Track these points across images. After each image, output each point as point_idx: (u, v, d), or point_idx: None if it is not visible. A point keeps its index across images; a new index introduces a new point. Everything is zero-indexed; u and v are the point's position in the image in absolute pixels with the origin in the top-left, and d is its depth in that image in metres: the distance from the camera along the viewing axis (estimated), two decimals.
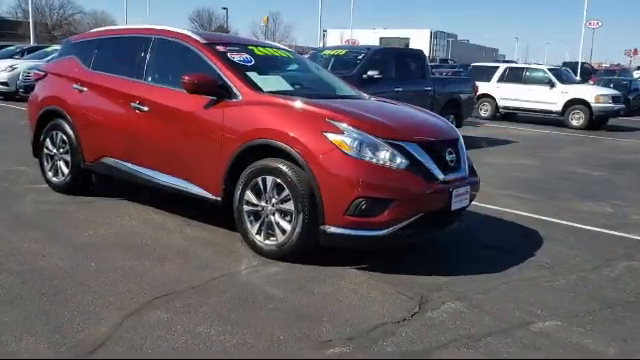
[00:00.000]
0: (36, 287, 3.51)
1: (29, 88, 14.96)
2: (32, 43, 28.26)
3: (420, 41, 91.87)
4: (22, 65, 16.47)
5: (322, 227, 3.99)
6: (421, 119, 4.68)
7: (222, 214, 4.68)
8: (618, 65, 51.46)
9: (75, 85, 5.57)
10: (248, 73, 4.70)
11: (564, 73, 19.33)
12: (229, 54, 4.85)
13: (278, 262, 4.16)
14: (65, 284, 3.57)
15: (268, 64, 5.20)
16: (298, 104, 4.27)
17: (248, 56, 4.95)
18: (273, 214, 4.20)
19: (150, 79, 5.09)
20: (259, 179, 4.23)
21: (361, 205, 3.87)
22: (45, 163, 5.95)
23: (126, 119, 5.09)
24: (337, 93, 5.20)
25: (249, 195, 4.30)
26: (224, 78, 4.57)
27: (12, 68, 16.48)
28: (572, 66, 34.40)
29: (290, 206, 4.08)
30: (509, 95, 18.28)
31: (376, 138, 3.99)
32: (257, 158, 4.27)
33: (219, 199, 4.52)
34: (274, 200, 4.18)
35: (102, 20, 78.14)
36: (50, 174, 5.90)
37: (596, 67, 44.94)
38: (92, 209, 5.30)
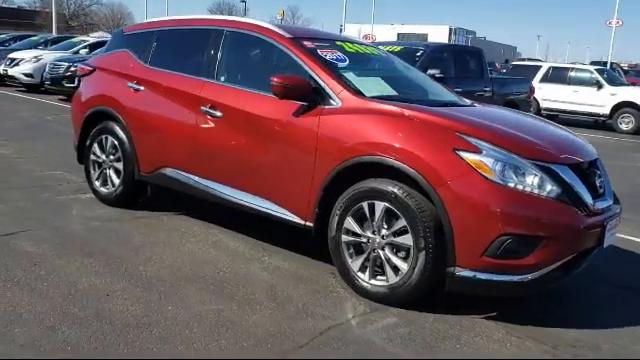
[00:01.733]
0: (108, 343, 2.78)
1: (56, 80, 14.38)
2: (54, 33, 27.65)
3: (439, 37, 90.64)
4: (48, 56, 15.83)
5: (450, 269, 3.23)
6: (562, 134, 3.89)
7: (299, 236, 3.94)
8: (637, 65, 50.00)
9: (130, 83, 4.84)
10: (345, 74, 3.94)
11: (612, 74, 18.39)
12: (319, 51, 4.09)
13: (388, 308, 3.41)
14: (143, 338, 2.84)
15: (362, 63, 4.44)
16: (417, 113, 3.50)
17: (341, 54, 4.18)
18: (382, 248, 3.44)
19: (223, 79, 4.35)
20: (364, 204, 3.47)
21: (506, 244, 3.11)
22: (92, 171, 5.23)
23: (193, 125, 4.36)
24: (442, 99, 4.42)
25: (350, 222, 3.55)
26: (318, 80, 3.81)
27: (37, 59, 15.86)
28: (600, 66, 33.27)
29: (407, 240, 3.32)
30: (552, 96, 17.36)
31: (522, 159, 3.22)
32: (361, 178, 3.52)
33: (310, 225, 3.78)
34: (384, 231, 3.43)
35: (118, 12, 77.82)
36: (97, 184, 5.18)
37: (625, 67, 43.68)
38: (150, 228, 4.58)
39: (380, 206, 3.41)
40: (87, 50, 16.27)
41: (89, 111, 5.16)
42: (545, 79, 17.80)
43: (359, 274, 3.54)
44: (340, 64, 4.05)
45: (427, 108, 3.66)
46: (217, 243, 4.35)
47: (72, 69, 13.78)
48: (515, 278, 3.19)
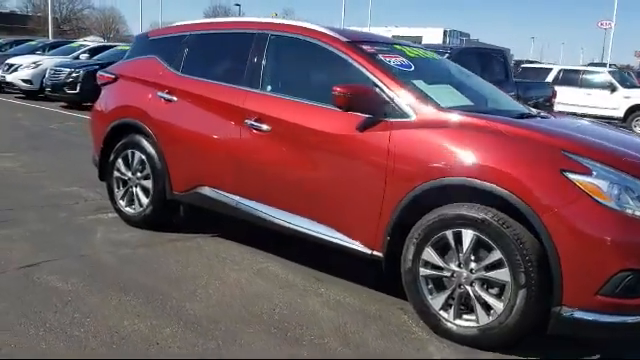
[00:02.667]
0: None
1: (57, 87, 13.86)
2: (50, 38, 27.09)
3: (433, 40, 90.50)
4: (47, 62, 15.32)
5: (556, 309, 2.77)
6: None
7: (354, 263, 3.50)
8: (628, 67, 49.86)
9: (160, 93, 4.37)
10: (415, 82, 3.48)
11: (624, 76, 18.04)
12: (382, 56, 3.64)
13: (476, 351, 2.96)
14: None
15: (427, 69, 3.97)
16: (512, 128, 3.05)
17: (404, 59, 3.73)
18: (470, 284, 2.99)
19: (270, 89, 3.88)
20: (448, 233, 3.02)
21: (626, 281, 2.66)
22: (115, 189, 4.75)
23: (236, 140, 3.89)
24: (515, 108, 3.98)
25: (430, 254, 3.09)
26: (385, 89, 3.36)
27: (36, 65, 15.35)
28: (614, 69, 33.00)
29: (503, 276, 2.87)
30: (564, 99, 16.96)
31: (637, 180, 2.78)
32: (443, 202, 3.06)
33: (378, 255, 3.32)
34: (473, 265, 2.97)
35: (110, 16, 77.16)
36: (122, 203, 4.70)
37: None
38: (186, 254, 4.10)
39: (468, 235, 2.95)
40: (88, 55, 15.74)
41: (113, 123, 4.68)
42: (556, 82, 17.42)
43: (441, 313, 3.08)
44: (407, 70, 3.60)
45: (521, 122, 3.23)
46: (263, 271, 3.88)
47: (73, 75, 13.31)
48: (629, 319, 2.75)
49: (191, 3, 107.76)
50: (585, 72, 17.65)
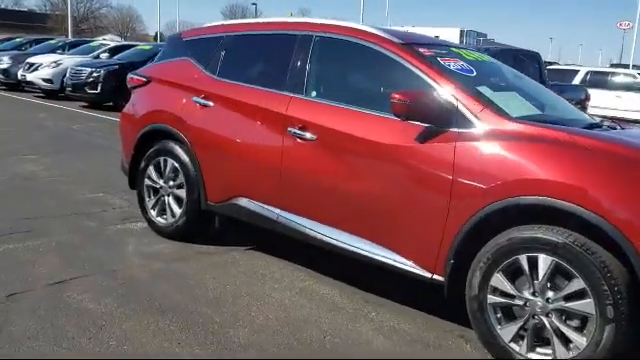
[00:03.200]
0: None
1: (77, 87, 13.70)
2: (70, 36, 27.09)
3: (450, 40, 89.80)
4: (68, 61, 15.22)
5: None
6: None
7: (404, 284, 3.21)
8: None
9: (196, 98, 4.11)
10: (479, 89, 3.19)
11: None
12: (441, 60, 3.35)
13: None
14: None
15: (488, 74, 3.67)
16: (597, 142, 2.75)
17: (463, 63, 3.44)
18: (547, 314, 2.68)
19: (315, 94, 3.61)
20: (522, 257, 2.72)
21: None
22: (146, 198, 4.50)
23: (277, 148, 3.62)
24: (581, 118, 3.67)
25: (500, 280, 2.79)
26: (449, 97, 3.06)
27: (57, 64, 15.24)
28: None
29: (586, 307, 2.56)
30: (593, 102, 16.55)
31: None
32: (516, 223, 2.76)
33: (439, 279, 3.03)
34: (551, 293, 2.67)
35: (127, 15, 77.51)
36: (153, 213, 4.45)
37: None
38: (223, 270, 3.84)
39: (546, 261, 2.65)
40: (108, 54, 15.61)
41: (144, 129, 4.43)
42: (583, 84, 17.00)
43: (512, 345, 2.78)
44: (469, 75, 3.31)
45: (603, 135, 2.93)
46: (307, 290, 3.61)
47: (94, 75, 13.15)
48: None
49: (208, 2, 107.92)
50: (614, 74, 17.21)
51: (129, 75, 4.78)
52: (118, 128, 4.93)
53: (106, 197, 5.53)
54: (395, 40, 3.43)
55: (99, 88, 13.16)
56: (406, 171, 3.09)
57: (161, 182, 4.39)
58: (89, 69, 13.38)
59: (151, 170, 4.44)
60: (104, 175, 6.43)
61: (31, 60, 15.64)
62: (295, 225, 3.60)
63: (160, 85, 4.46)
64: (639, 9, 37.74)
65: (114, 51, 15.64)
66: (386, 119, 3.17)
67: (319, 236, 3.47)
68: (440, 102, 3.04)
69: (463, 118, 2.99)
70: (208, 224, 4.31)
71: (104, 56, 15.56)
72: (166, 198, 4.37)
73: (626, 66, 36.40)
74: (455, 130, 2.99)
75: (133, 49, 15.26)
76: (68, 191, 5.65)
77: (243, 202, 3.89)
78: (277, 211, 3.69)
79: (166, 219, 4.38)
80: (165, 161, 4.33)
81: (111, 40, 26.88)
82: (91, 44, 17.73)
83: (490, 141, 2.89)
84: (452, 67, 3.31)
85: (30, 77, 15.30)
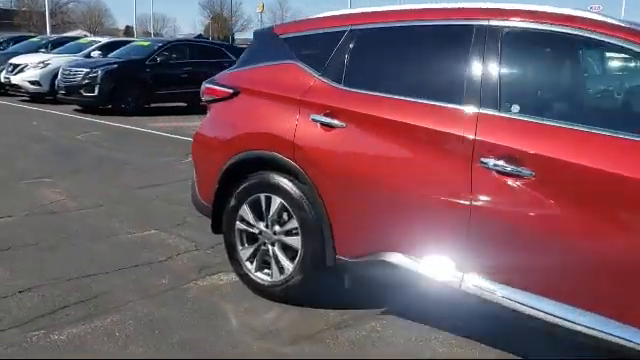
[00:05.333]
0: None
1: (72, 89, 12.37)
2: (48, 33, 25.48)
3: None
4: (56, 60, 13.92)
5: None
6: None
7: None
8: None
9: (316, 116, 3.04)
10: None
11: None
12: None
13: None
14: None
15: None
16: None
17: None
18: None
19: (517, 110, 2.55)
20: None
21: None
22: (239, 246, 3.42)
23: (461, 187, 2.58)
24: None
25: None
26: None
27: (44, 64, 13.95)
28: None
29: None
30: None
31: None
32: None
33: None
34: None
35: (96, 9, 75.39)
36: (250, 266, 3.38)
37: None
38: (371, 350, 2.79)
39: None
40: (100, 52, 14.28)
41: (235, 157, 3.34)
42: None
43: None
44: None
45: None
46: None
47: (91, 76, 11.89)
48: None
49: None
50: None
51: (205, 85, 3.66)
52: (190, 150, 3.83)
53: (160, 235, 4.42)
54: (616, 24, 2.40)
55: (96, 90, 11.91)
56: None
57: (261, 226, 3.31)
58: (84, 69, 12.10)
59: (246, 210, 3.36)
60: (142, 203, 5.32)
61: (15, 61, 14.28)
62: (496, 297, 2.56)
63: (255, 98, 3.36)
64: None
65: (108, 48, 14.32)
66: None
67: (540, 314, 2.44)
68: None
69: None
70: (329, 281, 3.24)
71: (96, 54, 14.24)
72: (270, 248, 3.30)
73: None
74: None
75: (129, 46, 13.98)
76: (110, 229, 4.52)
77: (396, 259, 2.83)
78: (460, 275, 2.65)
79: (271, 275, 3.31)
80: (268, 199, 3.25)
81: (79, 35, 25.31)
82: (79, 41, 16.33)
83: None
84: None
85: (15, 80, 13.95)
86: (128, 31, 75.95)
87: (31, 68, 13.90)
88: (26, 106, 13.23)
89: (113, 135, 9.46)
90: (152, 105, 12.72)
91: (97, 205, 5.20)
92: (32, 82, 13.76)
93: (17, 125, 10.28)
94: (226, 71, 3.73)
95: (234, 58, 14.13)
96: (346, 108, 2.95)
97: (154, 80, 12.44)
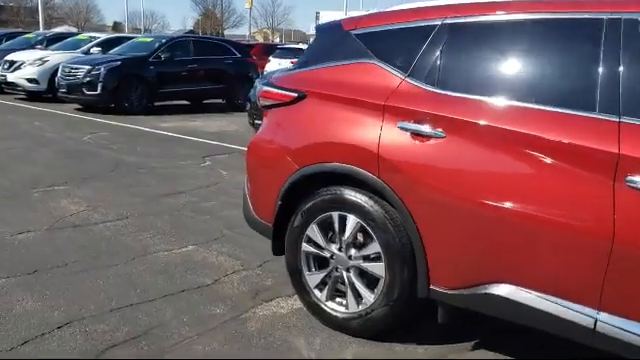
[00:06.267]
0: None
1: (73, 87, 11.83)
2: (41, 29, 24.81)
3: None
4: (54, 57, 13.42)
5: None
6: None
7: None
8: None
9: (405, 123, 2.62)
10: None
11: None
12: None
13: None
14: None
15: None
16: None
17: None
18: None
19: None
20: None
21: None
22: (305, 271, 3.01)
23: (598, 209, 2.18)
24: None
25: None
26: None
27: (42, 61, 13.42)
28: None
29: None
30: None
31: None
32: None
33: None
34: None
35: (83, 5, 74.64)
36: (319, 294, 2.97)
37: None
38: None
39: None
40: (100, 49, 13.78)
41: (302, 170, 2.92)
42: None
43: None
44: None
45: None
46: None
47: (93, 73, 11.39)
48: None
49: None
50: None
51: (264, 88, 3.23)
52: (243, 160, 3.39)
53: (200, 252, 4.00)
54: None
55: (99, 88, 11.42)
56: None
57: (333, 249, 2.90)
58: (86, 67, 11.60)
59: (314, 230, 2.94)
60: (170, 214, 4.90)
61: (11, 57, 13.74)
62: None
63: (326, 103, 2.93)
64: None
65: (108, 45, 13.81)
66: None
67: None
68: None
69: None
70: (417, 314, 2.84)
71: (95, 50, 13.75)
72: (344, 274, 2.88)
73: None
74: None
75: (130, 42, 13.47)
76: (143, 245, 4.09)
77: (507, 292, 2.43)
78: (594, 314, 2.24)
79: (346, 306, 2.89)
80: (342, 218, 2.84)
81: (66, 30, 24.77)
82: (77, 37, 15.77)
83: None
84: None
85: (12, 77, 13.41)
86: (117, 27, 75.13)
87: (28, 65, 13.36)
88: (24, 105, 12.71)
89: (121, 136, 9.00)
90: (155, 104, 12.27)
91: (122, 217, 4.76)
92: (30, 80, 13.23)
93: (18, 126, 9.77)
94: (286, 72, 3.29)
95: (239, 55, 13.73)
96: (447, 115, 2.54)
97: (158, 78, 11.97)
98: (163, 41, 12.60)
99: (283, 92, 3.10)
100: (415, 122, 2.61)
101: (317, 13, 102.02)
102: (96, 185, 5.82)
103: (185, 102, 13.40)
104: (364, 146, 2.73)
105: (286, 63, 15.94)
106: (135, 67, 11.84)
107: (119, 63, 11.74)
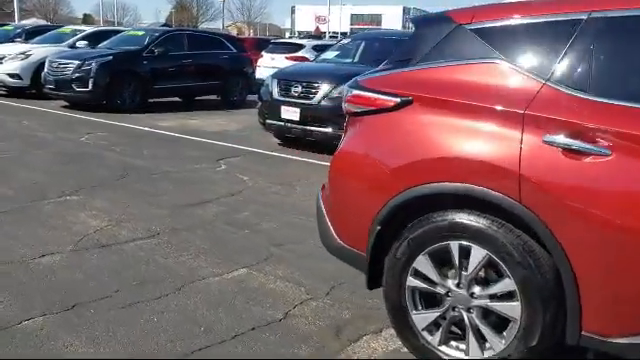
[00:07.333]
0: None
1: (62, 83, 11.09)
2: (17, 21, 23.76)
3: (393, 18, 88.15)
4: (38, 51, 12.67)
5: None
6: None
7: None
8: None
9: (554, 137, 2.17)
10: None
11: None
12: None
13: None
14: None
15: None
16: None
17: None
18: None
19: None
20: None
21: None
22: (411, 310, 2.55)
23: None
24: None
25: None
26: None
27: (25, 56, 12.67)
28: None
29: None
30: None
31: None
32: None
33: None
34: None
35: None
36: (430, 338, 2.51)
37: None
38: None
39: None
40: (86, 43, 13.04)
41: (410, 191, 2.45)
42: None
43: None
44: None
45: None
46: None
47: (84, 69, 10.71)
48: None
49: None
50: None
51: (353, 92, 2.74)
52: (328, 174, 2.90)
53: (254, 277, 3.51)
54: None
55: (90, 85, 10.73)
56: None
57: (450, 284, 2.44)
58: (76, 62, 10.90)
59: (424, 262, 2.48)
60: (204, 228, 4.40)
61: None
62: None
63: (441, 111, 2.46)
64: None
65: (95, 38, 13.08)
66: None
67: None
68: None
69: None
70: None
71: (81, 44, 13.00)
72: (465, 315, 2.42)
73: None
74: None
75: (120, 35, 12.77)
76: (188, 269, 3.58)
77: None
78: None
79: (466, 352, 2.44)
80: (465, 249, 2.38)
81: (35, 23, 23.78)
82: (59, 30, 14.94)
83: None
84: None
85: None
86: (87, 19, 73.36)
87: (10, 60, 12.57)
88: (7, 102, 11.94)
89: (121, 137, 8.39)
90: (149, 101, 11.65)
91: (153, 233, 4.22)
92: (12, 75, 12.45)
93: (5, 125, 9.08)
94: (381, 73, 2.80)
95: (234, 49, 13.14)
96: (614, 129, 2.09)
97: (152, 74, 11.33)
98: (156, 35, 11.93)
99: (382, 97, 2.62)
100: (569, 136, 2.15)
101: (292, 7, 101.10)
102: (110, 194, 5.26)
103: (177, 99, 12.78)
104: (499, 164, 2.26)
105: (280, 58, 15.38)
106: (128, 62, 11.18)
107: (111, 58, 11.06)
